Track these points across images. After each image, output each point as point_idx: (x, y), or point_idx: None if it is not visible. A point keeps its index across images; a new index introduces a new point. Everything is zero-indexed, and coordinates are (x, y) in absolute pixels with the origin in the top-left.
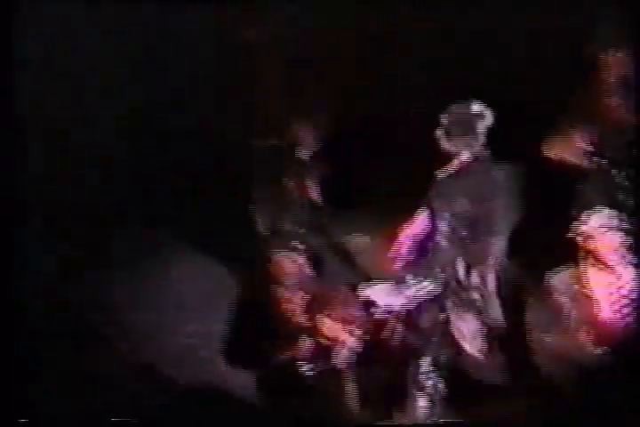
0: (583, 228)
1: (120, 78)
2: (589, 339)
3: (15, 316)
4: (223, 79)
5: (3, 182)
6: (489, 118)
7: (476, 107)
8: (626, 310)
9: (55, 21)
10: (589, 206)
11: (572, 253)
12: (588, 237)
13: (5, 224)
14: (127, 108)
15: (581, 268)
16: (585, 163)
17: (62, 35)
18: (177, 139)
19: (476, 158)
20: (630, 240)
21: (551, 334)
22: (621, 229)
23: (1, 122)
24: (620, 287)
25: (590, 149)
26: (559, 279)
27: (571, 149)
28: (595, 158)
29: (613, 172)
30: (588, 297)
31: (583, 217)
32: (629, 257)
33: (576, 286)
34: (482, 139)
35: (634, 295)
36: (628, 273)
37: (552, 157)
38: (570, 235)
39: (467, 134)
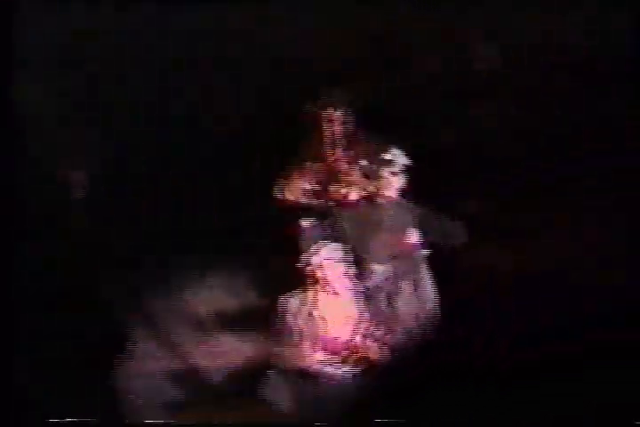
0: (314, 259)
1: (120, 78)
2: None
3: (15, 316)
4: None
5: (3, 182)
6: (399, 164)
7: (389, 154)
8: (356, 332)
9: (55, 21)
10: (318, 240)
11: (303, 280)
12: (319, 266)
13: (5, 224)
14: (127, 108)
15: (312, 293)
16: (312, 203)
17: (62, 35)
18: (176, 138)
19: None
20: (353, 269)
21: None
22: (345, 261)
23: (1, 122)
24: (347, 311)
25: (317, 189)
26: (292, 303)
27: (298, 190)
28: (321, 199)
29: (335, 210)
30: (322, 319)
31: (313, 249)
32: (353, 284)
33: (308, 310)
34: (389, 182)
35: (361, 318)
36: (353, 298)
37: (282, 198)
38: (300, 265)
39: (375, 178)
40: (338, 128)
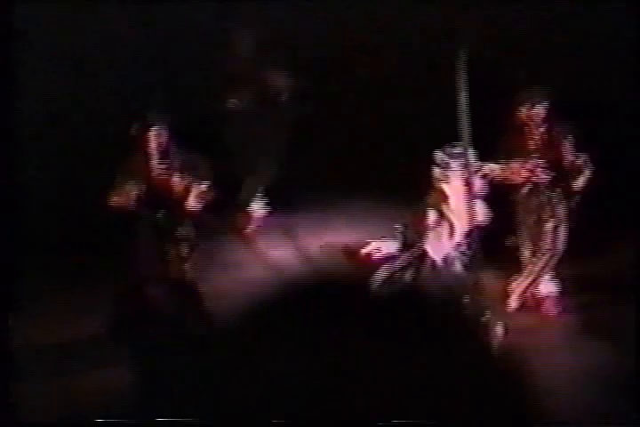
0: None
1: (120, 77)
2: None
3: (16, 316)
4: None
5: (3, 182)
6: (466, 159)
7: (457, 149)
8: None
9: (55, 21)
10: None
11: None
12: None
13: (5, 224)
14: (127, 108)
15: None
16: (138, 208)
17: (62, 34)
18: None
19: None
20: None
21: None
22: None
23: (1, 122)
24: None
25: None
26: None
27: (125, 197)
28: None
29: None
30: None
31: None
32: None
33: None
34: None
35: None
36: None
37: (111, 204)
38: None
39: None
40: (155, 144)
